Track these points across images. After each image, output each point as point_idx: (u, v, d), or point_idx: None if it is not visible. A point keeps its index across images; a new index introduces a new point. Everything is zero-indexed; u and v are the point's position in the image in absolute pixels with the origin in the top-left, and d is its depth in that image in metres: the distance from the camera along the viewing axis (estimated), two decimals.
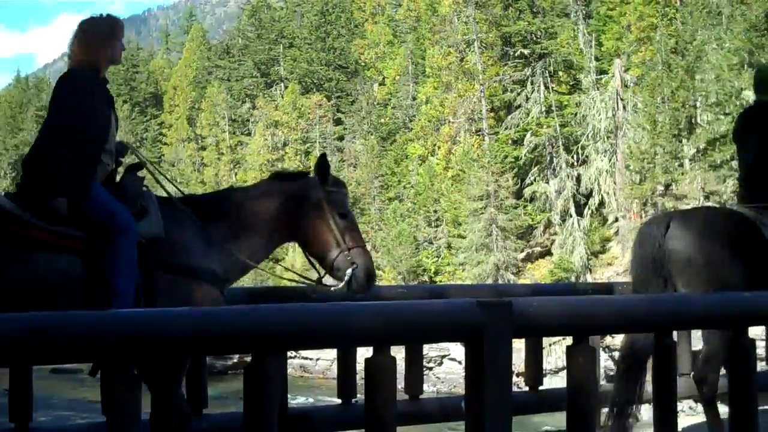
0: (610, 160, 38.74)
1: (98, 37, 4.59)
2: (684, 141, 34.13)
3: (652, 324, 3.95)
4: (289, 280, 5.43)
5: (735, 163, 31.51)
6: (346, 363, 6.07)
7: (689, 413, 8.61)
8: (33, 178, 4.33)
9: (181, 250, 4.51)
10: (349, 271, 4.84)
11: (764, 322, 5.32)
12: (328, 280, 5.05)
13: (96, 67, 4.60)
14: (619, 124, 38.51)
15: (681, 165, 34.22)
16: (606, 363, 24.79)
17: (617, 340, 22.51)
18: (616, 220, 39.00)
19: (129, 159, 4.94)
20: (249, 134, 64.23)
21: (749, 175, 5.99)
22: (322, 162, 5.00)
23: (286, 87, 63.52)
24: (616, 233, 38.66)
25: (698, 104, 34.84)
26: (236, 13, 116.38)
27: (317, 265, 5.03)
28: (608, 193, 38.50)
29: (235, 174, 62.64)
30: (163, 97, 74.25)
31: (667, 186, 34.44)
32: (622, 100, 38.53)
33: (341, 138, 59.83)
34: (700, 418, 7.27)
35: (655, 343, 3.92)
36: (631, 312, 3.87)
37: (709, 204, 27.95)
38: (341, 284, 4.87)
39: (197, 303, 4.34)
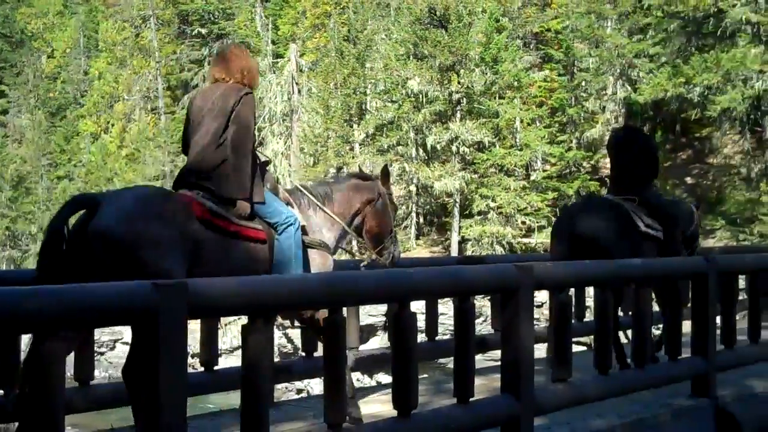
0: (285, 143, 39.49)
1: (248, 64, 5.68)
2: (354, 126, 35.57)
3: (327, 301, 4.11)
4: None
5: (401, 148, 33.61)
6: (6, 352, 5.68)
7: (358, 384, 9.03)
8: (218, 182, 5.29)
9: (314, 231, 5.87)
10: (392, 251, 6.41)
11: (423, 297, 5.77)
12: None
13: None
14: (294, 108, 39.35)
15: (352, 149, 35.64)
16: (280, 341, 25.37)
17: None
18: None
19: None
20: None
21: (619, 175, 7.97)
22: (387, 171, 6.62)
23: None
24: None
25: (368, 91, 36.48)
26: None
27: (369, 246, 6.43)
28: (283, 175, 39.25)
29: None
30: None
31: (339, 169, 35.74)
32: (297, 84, 39.39)
33: (5, 112, 55.97)
34: (370, 391, 7.68)
35: (327, 319, 4.09)
36: (308, 290, 3.99)
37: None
38: (386, 260, 6.36)
39: (326, 270, 5.65)
